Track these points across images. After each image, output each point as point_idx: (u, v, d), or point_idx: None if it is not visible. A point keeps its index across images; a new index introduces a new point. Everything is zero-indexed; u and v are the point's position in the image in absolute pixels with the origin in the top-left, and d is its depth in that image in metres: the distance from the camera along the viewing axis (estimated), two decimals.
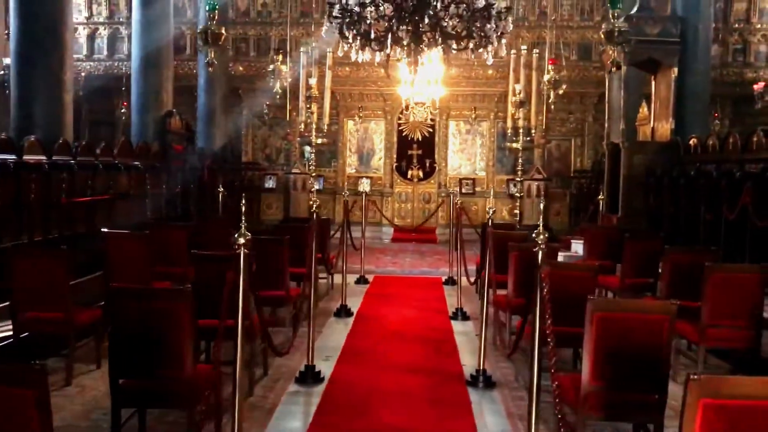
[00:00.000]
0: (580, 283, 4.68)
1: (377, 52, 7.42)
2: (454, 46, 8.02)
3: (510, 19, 7.42)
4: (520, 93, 13.77)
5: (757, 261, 6.81)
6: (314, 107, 14.04)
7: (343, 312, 7.41)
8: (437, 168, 16.64)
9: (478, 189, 16.71)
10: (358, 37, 7.34)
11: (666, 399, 3.31)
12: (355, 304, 7.96)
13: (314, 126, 14.55)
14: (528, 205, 13.75)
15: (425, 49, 7.52)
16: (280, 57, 12.36)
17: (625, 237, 6.99)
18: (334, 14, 7.17)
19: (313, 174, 14.77)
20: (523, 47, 14.19)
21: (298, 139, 15.32)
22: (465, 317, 7.24)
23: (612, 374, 3.25)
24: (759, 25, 16.11)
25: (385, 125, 16.60)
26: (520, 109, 14.17)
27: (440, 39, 7.40)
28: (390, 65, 10.46)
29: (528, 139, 14.55)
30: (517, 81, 13.90)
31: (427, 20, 7.00)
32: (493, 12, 7.13)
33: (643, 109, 11.80)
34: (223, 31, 7.61)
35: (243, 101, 16.36)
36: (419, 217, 16.64)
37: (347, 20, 7.18)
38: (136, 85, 10.47)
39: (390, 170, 16.76)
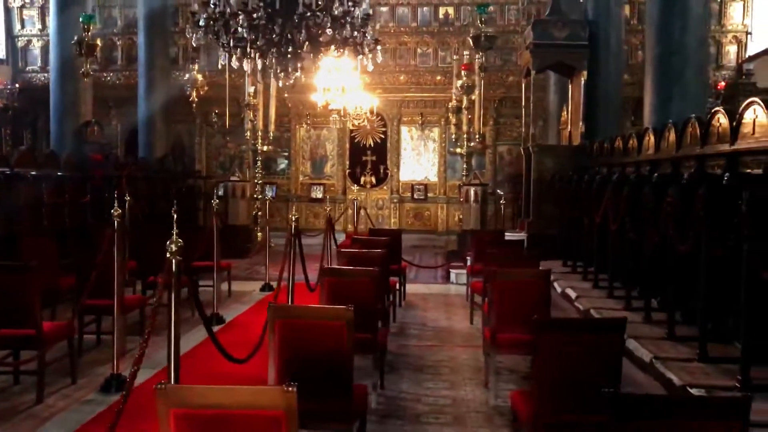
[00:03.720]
0: (363, 289, 4.69)
1: (245, 60, 7.52)
2: (335, 53, 8.05)
3: (371, 25, 7.45)
4: (458, 98, 13.81)
5: (616, 269, 6.76)
6: (254, 114, 14.17)
7: (214, 320, 7.43)
8: (390, 174, 16.67)
9: (430, 195, 16.71)
10: (238, 47, 7.44)
11: (350, 407, 3.29)
12: (235, 313, 8.01)
13: (260, 133, 14.73)
14: (467, 211, 13.67)
15: (296, 56, 7.57)
16: (196, 65, 12.46)
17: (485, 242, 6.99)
18: (199, 23, 7.26)
19: (259, 181, 14.91)
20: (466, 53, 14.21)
21: (243, 147, 15.42)
22: None
23: (297, 382, 3.24)
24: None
25: (337, 132, 16.62)
26: (462, 114, 14.25)
27: (307, 46, 7.45)
28: (306, 73, 10.49)
29: (471, 144, 14.54)
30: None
31: (286, 27, 7.04)
32: (351, 19, 7.15)
33: (565, 114, 11.75)
34: (98, 42, 7.69)
35: (195, 109, 16.44)
36: (372, 223, 16.64)
37: (214, 28, 7.26)
38: (53, 95, 10.61)
39: (343, 177, 16.81)
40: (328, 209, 8.32)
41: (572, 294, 7.16)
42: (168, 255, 2.82)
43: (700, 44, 6.97)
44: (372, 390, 4.67)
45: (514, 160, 16.63)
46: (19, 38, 16.63)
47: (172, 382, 2.92)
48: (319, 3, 7.01)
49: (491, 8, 14.50)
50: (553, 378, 3.15)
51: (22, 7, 16.51)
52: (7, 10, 16.37)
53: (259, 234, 14.13)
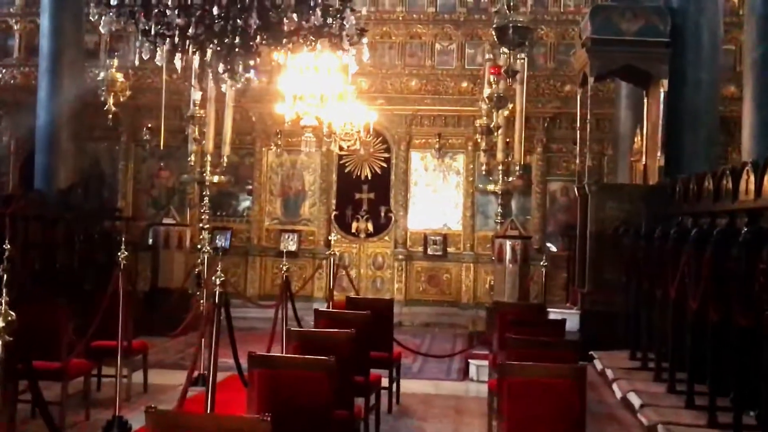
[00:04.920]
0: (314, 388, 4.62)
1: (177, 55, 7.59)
2: (305, 47, 8.13)
3: (349, 11, 7.50)
4: (488, 114, 13.90)
5: (698, 365, 6.67)
6: (201, 131, 14.28)
7: (116, 427, 7.34)
8: (394, 219, 16.67)
9: (451, 250, 16.63)
10: (166, 36, 7.52)
11: None
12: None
13: (209, 158, 14.81)
14: (500, 274, 13.62)
15: (247, 50, 7.63)
16: (115, 61, 12.63)
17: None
18: (110, 1, 7.34)
19: (206, 226, 14.94)
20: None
21: (185, 176, 15.52)
22: None
23: None
24: None
25: (320, 158, 16.68)
26: (496, 137, 14.33)
27: (263, 37, 7.52)
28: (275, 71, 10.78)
29: (510, 179, 14.64)
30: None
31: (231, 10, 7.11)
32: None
33: (638, 139, 11.79)
34: None
35: (121, 123, 16.61)
36: (367, 289, 16.57)
37: (132, 9, 7.34)
38: None
39: (327, 222, 16.83)
40: (284, 267, 8.28)
41: (636, 401, 7.09)
42: None
43: None
44: None
45: (572, 203, 16.59)
46: None
47: None
48: None
49: None
50: None
51: None
52: None
53: (203, 301, 14.09)
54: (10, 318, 2.77)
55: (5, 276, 3.08)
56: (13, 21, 16.83)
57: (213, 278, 5.07)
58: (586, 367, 4.79)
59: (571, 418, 4.60)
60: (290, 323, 9.67)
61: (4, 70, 16.91)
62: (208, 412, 4.78)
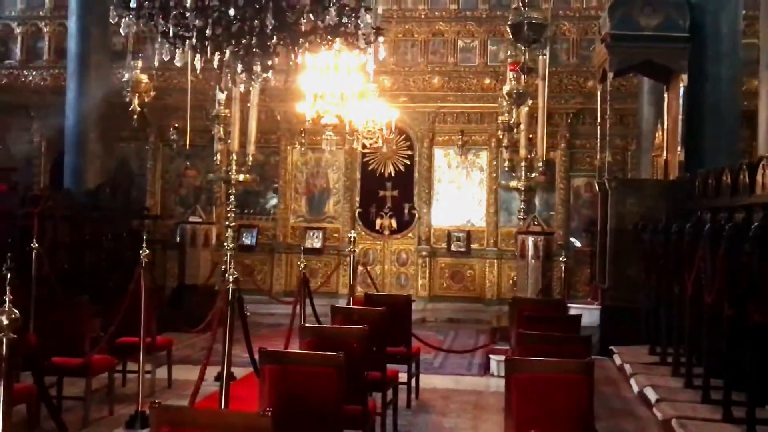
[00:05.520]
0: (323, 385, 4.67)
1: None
2: (323, 46, 8.17)
3: (364, 10, 7.53)
4: (509, 111, 13.88)
5: (713, 359, 6.63)
6: (226, 131, 14.39)
7: (139, 421, 7.44)
8: (417, 216, 16.70)
9: (474, 246, 16.63)
10: (185, 38, 7.59)
11: None
12: None
13: (234, 157, 14.92)
14: (523, 270, 13.58)
15: (265, 51, 7.69)
16: (140, 63, 12.73)
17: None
18: (130, 3, 7.41)
19: (232, 223, 15.05)
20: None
21: (211, 175, 15.62)
22: None
23: None
24: None
25: (344, 156, 16.76)
26: (518, 134, 14.32)
27: (279, 37, 7.57)
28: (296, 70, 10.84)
29: (533, 175, 14.59)
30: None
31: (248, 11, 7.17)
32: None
33: (659, 134, 11.73)
34: None
35: (149, 123, 16.79)
36: (392, 285, 16.61)
37: (150, 11, 7.42)
38: None
39: (351, 219, 16.88)
40: (301, 264, 8.33)
41: (652, 396, 7.06)
42: None
43: None
44: None
45: (596, 198, 16.51)
46: None
47: None
48: None
49: None
50: None
51: None
52: None
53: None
54: (13, 316, 2.83)
55: (9, 276, 3.13)
56: (43, 24, 17.07)
57: (227, 275, 5.13)
58: (594, 362, 4.78)
59: (580, 412, 4.62)
60: (312, 319, 9.78)
61: (34, 72, 17.14)
62: (222, 407, 4.84)
